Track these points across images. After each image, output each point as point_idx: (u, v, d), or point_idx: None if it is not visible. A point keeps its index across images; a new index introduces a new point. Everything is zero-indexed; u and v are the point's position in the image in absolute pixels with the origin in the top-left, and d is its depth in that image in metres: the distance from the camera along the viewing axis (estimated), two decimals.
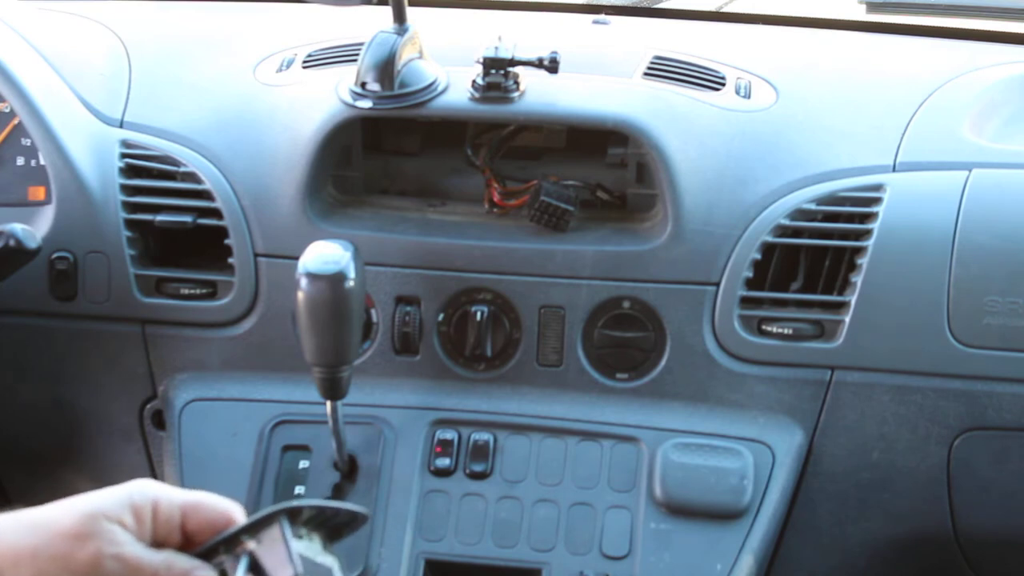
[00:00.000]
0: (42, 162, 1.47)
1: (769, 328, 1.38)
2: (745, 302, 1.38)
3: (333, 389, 1.28)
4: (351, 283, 1.24)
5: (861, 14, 1.98)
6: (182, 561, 0.78)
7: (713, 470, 1.35)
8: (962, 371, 1.36)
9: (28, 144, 1.49)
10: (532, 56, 1.37)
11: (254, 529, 0.77)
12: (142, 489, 0.79)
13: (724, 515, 1.34)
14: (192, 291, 1.45)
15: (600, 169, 1.46)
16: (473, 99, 1.38)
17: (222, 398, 1.45)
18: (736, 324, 1.38)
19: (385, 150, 1.51)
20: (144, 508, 0.79)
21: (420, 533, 1.34)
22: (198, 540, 0.79)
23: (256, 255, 1.43)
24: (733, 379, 1.39)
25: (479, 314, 1.39)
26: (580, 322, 1.40)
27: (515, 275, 1.40)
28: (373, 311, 1.42)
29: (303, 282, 1.24)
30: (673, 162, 1.36)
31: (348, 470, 1.37)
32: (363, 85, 1.38)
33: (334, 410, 1.30)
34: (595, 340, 1.40)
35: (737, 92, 1.50)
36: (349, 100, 1.39)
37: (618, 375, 1.41)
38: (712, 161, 1.41)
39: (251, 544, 0.77)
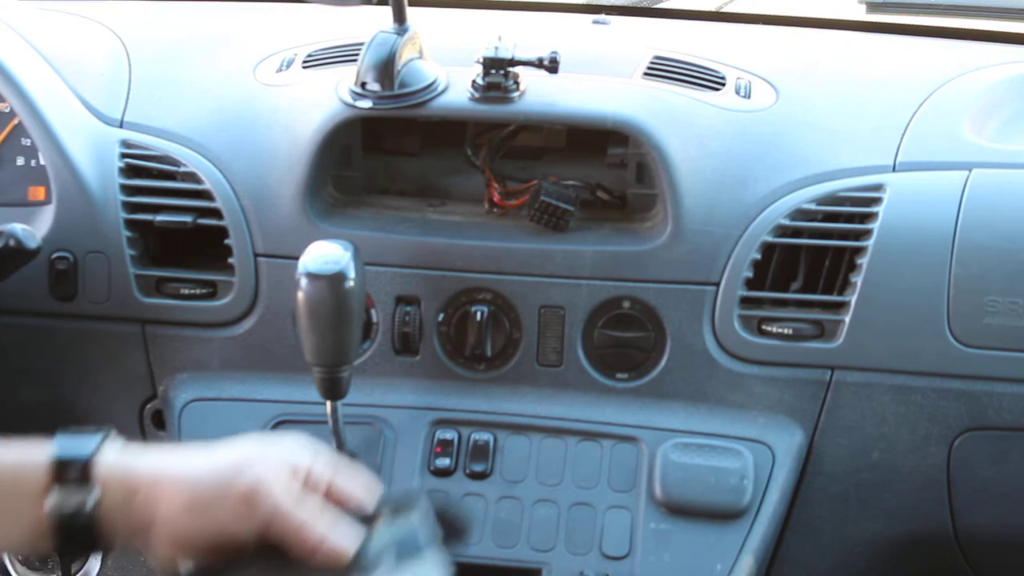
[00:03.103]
0: (42, 162, 1.47)
1: (769, 328, 1.38)
2: (745, 302, 1.38)
3: (333, 389, 1.28)
4: (351, 283, 1.24)
5: (861, 14, 1.99)
6: (324, 523, 0.83)
7: (713, 470, 1.35)
8: (962, 371, 1.36)
9: (28, 144, 1.49)
10: (532, 56, 1.37)
11: (394, 507, 0.83)
12: (300, 453, 0.85)
13: (724, 515, 1.34)
14: (192, 291, 1.45)
15: (600, 169, 1.46)
16: (473, 99, 1.38)
17: (222, 398, 1.45)
18: (736, 324, 1.38)
19: (385, 150, 1.51)
20: (300, 470, 0.84)
21: None
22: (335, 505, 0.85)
23: (256, 255, 1.43)
24: (733, 379, 1.39)
25: (479, 314, 1.39)
26: (580, 322, 1.40)
27: (515, 275, 1.40)
28: (373, 311, 1.42)
29: (303, 282, 1.24)
30: (673, 162, 1.37)
31: None
32: (363, 85, 1.38)
33: (334, 410, 1.30)
34: (595, 340, 1.40)
35: (737, 92, 1.50)
36: (349, 100, 1.39)
37: (618, 375, 1.41)
38: (712, 161, 1.41)
39: (389, 520, 0.84)
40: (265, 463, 0.83)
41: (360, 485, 0.87)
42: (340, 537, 0.82)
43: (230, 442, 0.85)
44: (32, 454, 0.84)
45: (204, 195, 1.44)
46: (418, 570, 0.82)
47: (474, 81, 1.38)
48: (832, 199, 1.39)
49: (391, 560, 0.81)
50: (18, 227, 1.38)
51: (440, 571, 0.83)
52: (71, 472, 0.82)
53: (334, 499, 0.86)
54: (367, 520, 0.83)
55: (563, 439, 1.40)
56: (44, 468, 0.83)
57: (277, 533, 0.82)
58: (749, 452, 1.36)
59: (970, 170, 1.40)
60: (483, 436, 1.39)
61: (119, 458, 0.85)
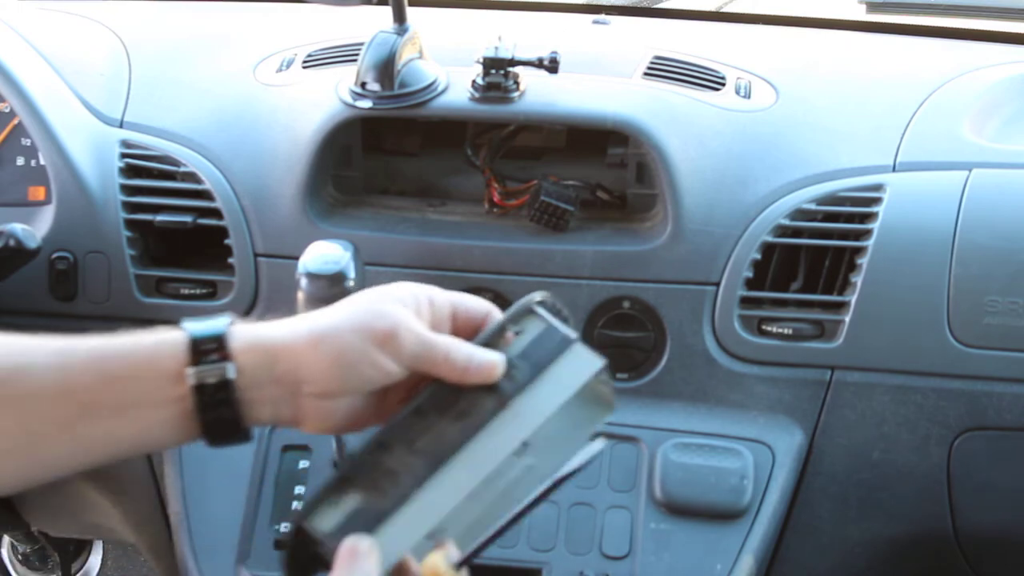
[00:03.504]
0: (42, 162, 1.47)
1: (769, 328, 1.38)
2: (745, 302, 1.38)
3: None
4: (351, 283, 1.24)
5: (861, 14, 1.99)
6: (465, 344, 0.83)
7: (713, 470, 1.35)
8: (962, 371, 1.36)
9: (28, 144, 1.49)
10: (532, 56, 1.37)
11: (516, 319, 0.84)
12: (419, 289, 0.85)
13: (724, 515, 1.34)
14: (192, 291, 1.45)
15: (600, 169, 1.46)
16: (473, 99, 1.38)
17: None
18: (736, 324, 1.38)
19: (385, 150, 1.51)
20: (423, 302, 0.84)
21: None
22: (464, 336, 0.85)
23: (256, 255, 1.43)
24: (733, 379, 1.39)
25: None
26: (580, 322, 1.40)
27: (515, 275, 1.40)
28: None
29: (303, 282, 1.24)
30: (673, 162, 1.37)
31: None
32: (363, 85, 1.38)
33: None
34: (595, 340, 1.40)
35: (737, 92, 1.50)
36: (349, 100, 1.39)
37: (618, 375, 1.41)
38: (712, 161, 1.41)
39: (515, 333, 0.84)
40: (398, 301, 0.83)
41: (481, 307, 0.87)
42: (485, 354, 0.82)
43: (350, 297, 0.85)
44: (164, 336, 0.82)
45: (204, 195, 1.44)
46: (559, 370, 0.82)
47: (474, 81, 1.38)
48: (832, 199, 1.39)
49: (529, 366, 0.82)
50: (18, 227, 1.38)
51: (580, 363, 0.83)
52: (207, 348, 0.81)
53: (461, 325, 0.86)
54: (495, 338, 0.83)
55: None
56: (180, 347, 0.81)
57: (425, 366, 0.82)
58: (749, 452, 1.36)
59: (970, 170, 1.40)
60: None
61: (252, 330, 0.84)
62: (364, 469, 0.80)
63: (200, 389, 0.80)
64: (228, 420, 0.81)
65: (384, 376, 0.82)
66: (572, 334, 0.83)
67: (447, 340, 0.83)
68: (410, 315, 0.82)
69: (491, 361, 0.82)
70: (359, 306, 0.83)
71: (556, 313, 0.85)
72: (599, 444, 0.82)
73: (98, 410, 0.80)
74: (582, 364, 0.82)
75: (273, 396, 0.82)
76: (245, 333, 0.83)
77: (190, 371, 0.80)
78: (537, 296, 0.85)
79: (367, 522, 0.77)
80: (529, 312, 0.85)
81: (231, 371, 0.81)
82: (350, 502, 0.79)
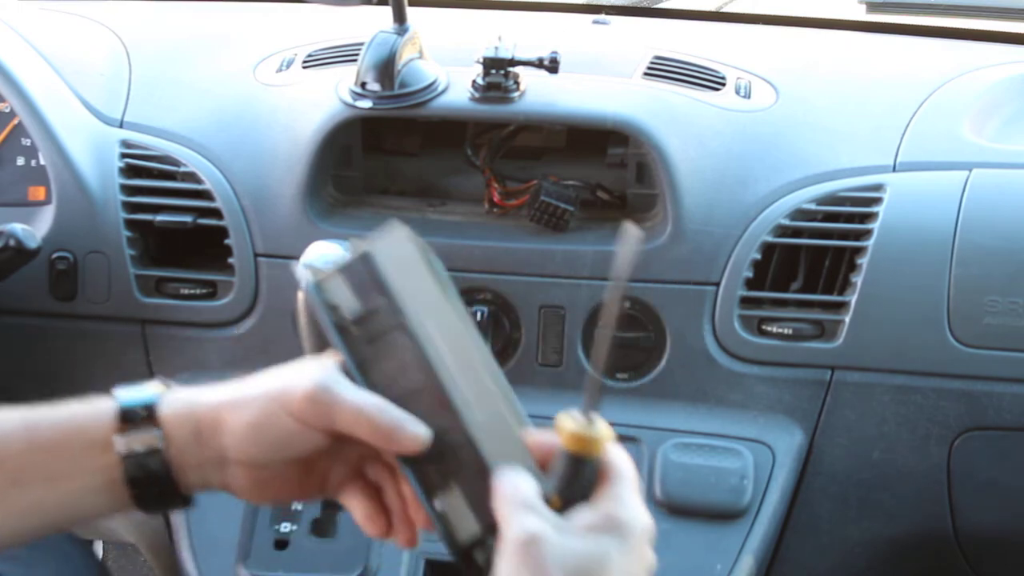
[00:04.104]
0: (42, 162, 1.47)
1: (769, 328, 1.38)
2: (745, 302, 1.38)
3: None
4: None
5: (861, 14, 1.98)
6: (391, 407, 0.80)
7: (713, 470, 1.35)
8: (962, 371, 1.35)
9: (28, 144, 1.49)
10: (532, 56, 1.37)
11: (323, 288, 0.83)
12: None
13: (724, 515, 1.34)
14: (192, 291, 1.45)
15: (600, 169, 1.46)
16: (473, 99, 1.38)
17: None
18: (736, 324, 1.38)
19: (385, 150, 1.51)
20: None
21: (420, 533, 1.34)
22: None
23: (256, 255, 1.43)
24: (733, 379, 1.39)
25: (479, 314, 1.39)
26: (580, 322, 1.40)
27: (515, 275, 1.40)
28: None
29: (303, 282, 1.24)
30: (673, 162, 1.36)
31: None
32: (363, 85, 1.38)
33: None
34: (595, 340, 1.40)
35: (737, 92, 1.50)
36: (349, 100, 1.39)
37: (618, 375, 1.41)
38: (712, 161, 1.41)
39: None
40: (317, 367, 0.82)
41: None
42: (415, 423, 0.80)
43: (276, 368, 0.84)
44: (95, 406, 0.83)
45: (204, 195, 1.44)
46: (396, 275, 0.82)
47: (474, 81, 1.38)
48: (832, 199, 1.39)
49: (379, 298, 0.81)
50: (18, 227, 1.38)
51: (403, 257, 0.82)
52: (136, 417, 0.81)
53: None
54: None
55: None
56: (109, 415, 0.81)
57: (346, 431, 0.80)
58: (749, 452, 1.36)
59: (970, 170, 1.40)
60: None
61: (183, 396, 0.83)
62: (421, 467, 0.80)
63: (128, 458, 0.80)
64: (160, 487, 0.81)
65: (303, 443, 0.80)
66: (364, 247, 0.82)
67: (370, 401, 0.80)
68: (333, 375, 0.80)
69: (421, 433, 0.79)
70: (282, 375, 0.83)
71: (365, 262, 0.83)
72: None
73: (28, 480, 0.80)
74: (404, 255, 0.82)
75: (201, 462, 0.81)
76: (175, 400, 0.83)
77: (118, 439, 0.80)
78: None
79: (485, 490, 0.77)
80: (333, 276, 0.83)
81: (159, 438, 0.80)
82: (454, 494, 0.79)
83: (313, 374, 0.80)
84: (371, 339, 0.82)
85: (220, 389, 0.83)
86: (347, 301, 0.83)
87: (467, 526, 0.79)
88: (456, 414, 0.80)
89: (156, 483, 0.81)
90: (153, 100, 1.54)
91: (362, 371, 0.81)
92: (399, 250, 0.83)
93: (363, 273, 0.83)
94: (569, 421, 0.76)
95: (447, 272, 0.83)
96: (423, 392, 0.80)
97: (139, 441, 0.80)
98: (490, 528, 0.77)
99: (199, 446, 0.81)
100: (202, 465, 0.81)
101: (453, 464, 0.79)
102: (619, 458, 0.77)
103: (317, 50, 1.57)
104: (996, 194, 1.38)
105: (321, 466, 0.84)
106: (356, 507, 0.85)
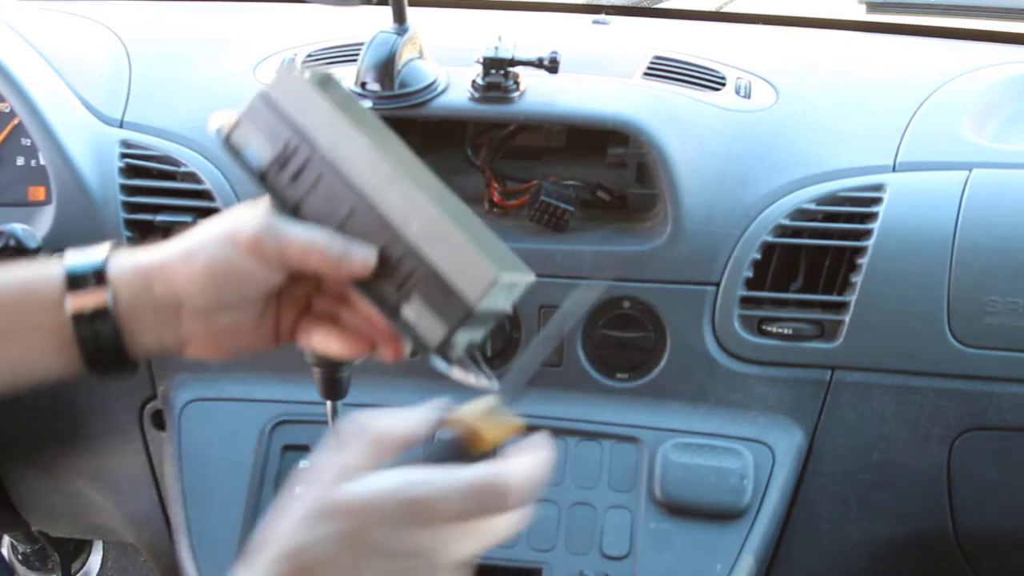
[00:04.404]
0: (42, 162, 1.47)
1: (769, 328, 1.38)
2: (745, 302, 1.38)
3: (333, 389, 1.28)
4: None
5: (861, 14, 1.98)
6: (337, 237, 0.82)
7: (713, 470, 1.35)
8: (962, 371, 1.36)
9: (28, 144, 1.49)
10: (532, 56, 1.37)
11: (238, 147, 0.85)
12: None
13: (724, 515, 1.34)
14: None
15: (600, 169, 1.46)
16: (473, 99, 1.38)
17: (222, 398, 1.45)
18: (736, 324, 1.38)
19: None
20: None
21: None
22: None
23: None
24: (733, 379, 1.39)
25: None
26: (580, 322, 1.40)
27: None
28: None
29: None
30: (673, 162, 1.36)
31: None
32: (363, 85, 1.38)
33: (334, 410, 1.29)
34: (595, 340, 1.40)
35: (737, 92, 1.50)
36: None
37: (618, 375, 1.41)
38: (712, 161, 1.41)
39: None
40: (257, 210, 0.83)
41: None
42: (361, 246, 0.82)
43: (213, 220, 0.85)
44: (45, 268, 0.83)
45: (204, 195, 1.44)
46: (317, 124, 0.84)
47: (474, 81, 1.38)
48: (832, 199, 1.39)
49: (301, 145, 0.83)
50: (18, 227, 1.38)
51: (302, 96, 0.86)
52: (85, 278, 0.81)
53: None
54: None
55: (563, 439, 1.39)
56: (58, 276, 0.82)
57: (298, 262, 0.81)
58: (749, 452, 1.36)
59: (970, 170, 1.40)
60: None
61: (130, 256, 0.84)
62: (377, 286, 0.82)
63: (78, 317, 0.81)
64: (110, 348, 0.81)
65: (260, 282, 0.82)
66: (259, 88, 0.85)
67: (315, 233, 0.81)
68: (270, 217, 0.82)
69: (367, 254, 0.81)
70: (226, 218, 0.84)
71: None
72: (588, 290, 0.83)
73: None
74: (300, 88, 0.85)
75: (155, 320, 0.82)
76: (123, 260, 0.83)
77: (67, 298, 0.81)
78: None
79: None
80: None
81: (108, 297, 0.81)
82: (414, 303, 0.81)
83: (256, 216, 0.82)
84: (293, 177, 0.83)
85: (167, 244, 0.84)
86: (259, 146, 0.84)
87: (434, 328, 0.81)
88: (392, 227, 0.81)
89: (109, 346, 0.81)
90: (153, 100, 1.54)
91: (295, 211, 0.83)
92: (295, 84, 0.85)
93: (266, 113, 0.84)
94: (475, 409, 0.78)
95: (356, 94, 0.84)
96: (356, 214, 0.82)
97: (88, 300, 0.81)
98: (456, 325, 0.80)
99: (151, 303, 0.82)
100: (156, 323, 0.82)
101: (405, 275, 0.81)
102: (513, 470, 0.79)
103: (317, 50, 1.57)
104: (996, 194, 1.38)
105: (272, 311, 0.85)
106: (319, 339, 0.86)
